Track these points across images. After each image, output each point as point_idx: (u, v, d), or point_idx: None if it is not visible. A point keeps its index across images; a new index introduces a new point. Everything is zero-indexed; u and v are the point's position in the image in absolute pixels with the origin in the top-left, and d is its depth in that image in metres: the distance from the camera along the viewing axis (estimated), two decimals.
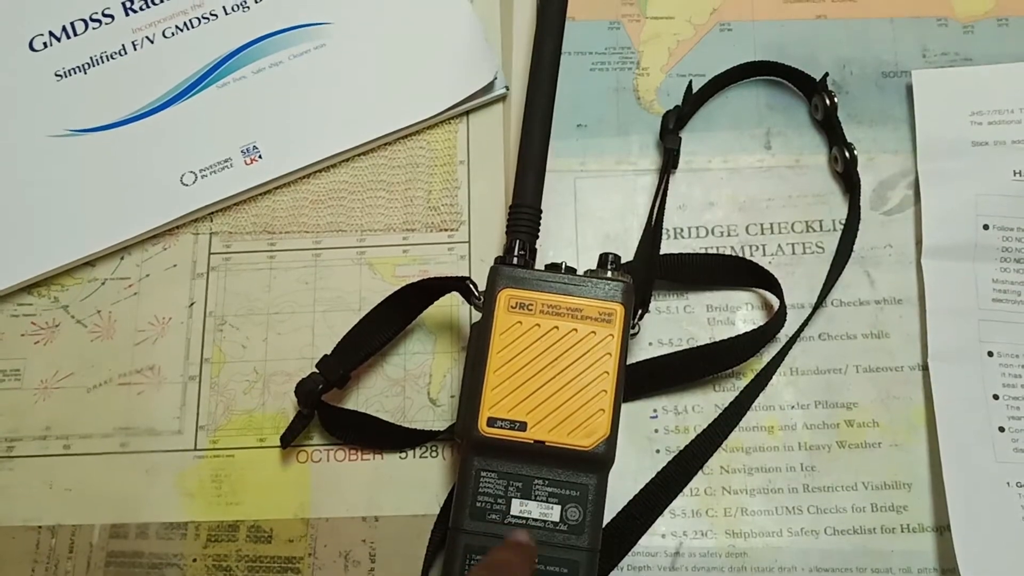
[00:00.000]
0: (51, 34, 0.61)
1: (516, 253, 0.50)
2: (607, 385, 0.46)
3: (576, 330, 0.47)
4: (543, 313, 0.47)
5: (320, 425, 0.54)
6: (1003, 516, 0.49)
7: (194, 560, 0.52)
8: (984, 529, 0.49)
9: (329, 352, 0.52)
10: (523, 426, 0.46)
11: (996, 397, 0.52)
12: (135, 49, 0.61)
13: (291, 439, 0.52)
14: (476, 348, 0.48)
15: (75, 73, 0.60)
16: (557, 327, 0.47)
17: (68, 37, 0.61)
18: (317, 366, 0.52)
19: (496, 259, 0.50)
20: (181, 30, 0.61)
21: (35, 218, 0.57)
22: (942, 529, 0.51)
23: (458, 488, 0.47)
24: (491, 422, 0.46)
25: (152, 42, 0.61)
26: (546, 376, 0.46)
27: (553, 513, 0.46)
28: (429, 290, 0.52)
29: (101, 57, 0.60)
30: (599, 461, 0.46)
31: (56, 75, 0.60)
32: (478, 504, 0.46)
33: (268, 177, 0.58)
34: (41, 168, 0.58)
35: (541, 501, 0.46)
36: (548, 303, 0.47)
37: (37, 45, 0.61)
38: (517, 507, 0.46)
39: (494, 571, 0.41)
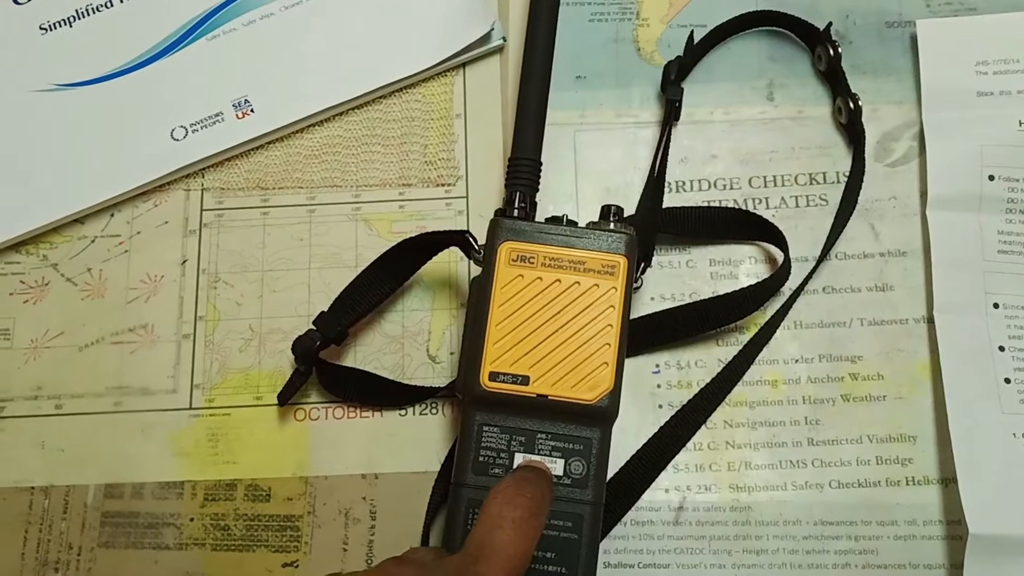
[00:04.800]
0: None
1: (517, 206, 0.49)
2: (610, 338, 0.45)
3: (579, 283, 0.46)
4: (545, 266, 0.46)
5: (318, 383, 0.53)
6: (1009, 467, 0.49)
7: (191, 520, 0.51)
8: (990, 480, 0.49)
9: (326, 309, 0.51)
10: (525, 380, 0.45)
11: (1002, 349, 0.51)
12: (121, 1, 0.59)
13: (288, 397, 0.51)
14: (477, 302, 0.47)
15: (60, 26, 0.59)
16: (559, 280, 0.46)
17: None
18: (314, 323, 0.51)
19: (496, 211, 0.49)
20: None
21: (22, 175, 0.56)
22: (947, 481, 0.50)
23: (460, 443, 0.46)
24: (493, 376, 0.45)
25: None
26: (548, 330, 0.45)
27: (557, 467, 0.45)
28: (427, 245, 0.51)
29: (87, 9, 0.59)
30: (603, 415, 0.45)
31: (41, 28, 0.59)
32: (480, 459, 0.45)
33: (260, 131, 0.56)
34: (27, 123, 0.57)
35: (544, 455, 0.45)
36: (550, 256, 0.46)
37: None
38: (520, 461, 0.45)
39: (520, 484, 0.41)
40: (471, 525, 0.45)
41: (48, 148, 0.57)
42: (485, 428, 0.46)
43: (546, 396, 0.45)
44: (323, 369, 0.52)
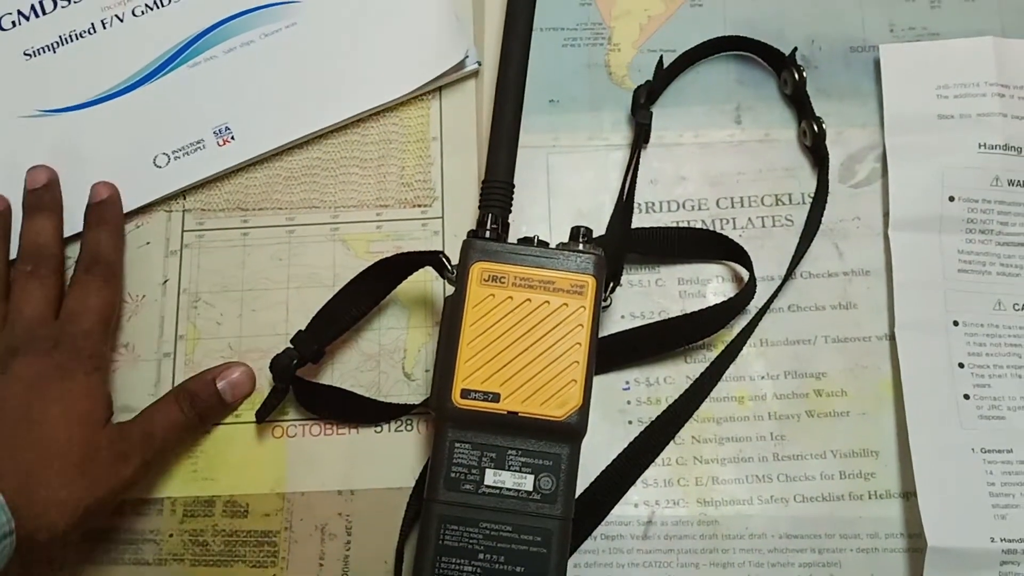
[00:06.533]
0: (20, 13, 0.60)
1: (489, 227, 0.50)
2: (579, 356, 0.47)
3: (548, 302, 0.47)
4: (515, 286, 0.47)
5: (295, 400, 0.54)
6: (968, 481, 0.50)
7: (170, 535, 0.52)
8: (949, 494, 0.50)
9: (304, 327, 0.52)
10: (496, 397, 0.46)
11: (962, 365, 0.53)
12: (104, 28, 0.60)
13: (266, 414, 0.52)
14: (449, 321, 0.48)
15: (44, 52, 0.60)
16: (529, 299, 0.47)
17: (37, 16, 0.60)
18: (292, 341, 0.52)
19: (469, 233, 0.50)
20: (151, 8, 0.60)
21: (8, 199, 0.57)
22: (909, 495, 0.52)
23: (433, 459, 0.47)
24: (465, 393, 0.46)
25: (122, 20, 0.60)
26: (519, 348, 0.47)
27: (526, 483, 0.46)
28: (403, 264, 0.52)
29: (70, 36, 0.60)
30: (571, 431, 0.46)
31: (25, 54, 0.60)
32: (452, 475, 0.46)
33: (241, 159, 0.58)
34: (12, 148, 0.58)
35: (515, 471, 0.46)
36: (520, 276, 0.48)
37: (6, 24, 0.60)
38: (491, 477, 0.46)
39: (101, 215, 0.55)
40: (443, 541, 0.46)
41: None
42: (457, 444, 0.47)
43: (516, 413, 0.46)
44: (300, 387, 0.53)
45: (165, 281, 0.57)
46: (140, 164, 0.58)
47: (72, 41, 0.60)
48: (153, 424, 0.51)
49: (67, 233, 0.57)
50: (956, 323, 0.54)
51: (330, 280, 0.57)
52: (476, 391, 0.46)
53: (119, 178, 0.57)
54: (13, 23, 0.60)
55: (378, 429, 0.54)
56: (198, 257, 0.57)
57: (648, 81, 0.58)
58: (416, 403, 0.53)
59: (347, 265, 0.57)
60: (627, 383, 0.54)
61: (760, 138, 0.58)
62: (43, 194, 0.56)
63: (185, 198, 0.58)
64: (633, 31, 0.61)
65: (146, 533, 0.52)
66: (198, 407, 0.52)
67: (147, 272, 0.57)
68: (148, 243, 0.58)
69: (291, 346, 0.52)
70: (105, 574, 0.52)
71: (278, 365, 0.51)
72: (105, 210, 0.56)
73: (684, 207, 0.57)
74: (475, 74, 0.60)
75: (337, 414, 0.54)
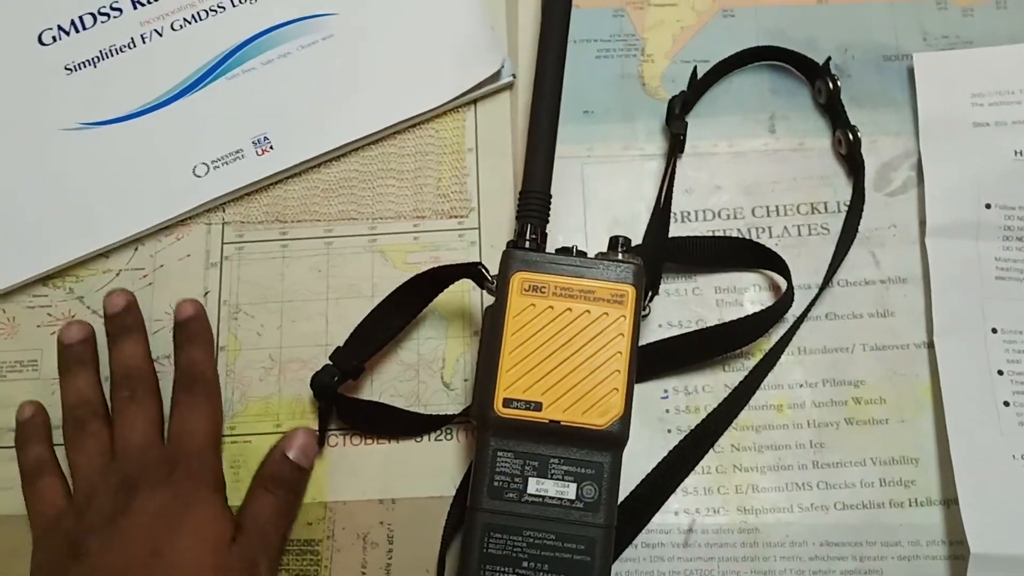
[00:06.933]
0: (60, 28, 0.61)
1: (528, 237, 0.51)
2: (620, 365, 0.47)
3: (589, 311, 0.47)
4: (556, 295, 0.48)
5: (337, 416, 0.54)
6: (1009, 488, 0.50)
7: None
8: (991, 501, 0.50)
9: (342, 341, 0.53)
10: (538, 406, 0.46)
11: (1001, 372, 0.53)
12: (144, 42, 0.61)
13: (323, 439, 0.54)
14: (490, 331, 0.48)
15: (85, 67, 0.61)
16: (570, 309, 0.47)
17: (77, 31, 0.61)
18: (331, 358, 0.52)
19: (508, 243, 0.50)
20: (189, 23, 0.61)
21: (49, 211, 0.58)
22: (949, 502, 0.52)
23: (475, 468, 0.47)
24: (507, 403, 0.47)
25: (161, 35, 0.61)
26: (560, 357, 0.47)
27: (569, 491, 0.46)
28: (440, 278, 0.53)
29: (110, 50, 0.61)
30: (614, 439, 0.46)
31: (66, 68, 0.61)
32: (495, 483, 0.47)
33: (280, 167, 0.58)
34: (54, 161, 0.59)
35: (557, 479, 0.47)
36: (561, 285, 0.48)
37: (46, 39, 0.61)
38: (534, 485, 0.47)
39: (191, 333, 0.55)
40: (487, 549, 0.46)
41: (74, 185, 0.58)
42: (499, 453, 0.47)
43: (558, 422, 0.46)
44: (342, 404, 0.53)
45: (206, 293, 0.57)
46: (179, 174, 0.58)
47: (112, 56, 0.61)
48: (261, 522, 0.51)
49: (104, 244, 0.58)
50: (994, 330, 0.54)
51: (369, 291, 0.57)
52: (518, 400, 0.47)
53: (159, 187, 0.58)
54: (54, 38, 0.61)
55: (418, 439, 0.54)
56: (238, 269, 0.58)
57: (682, 91, 0.58)
58: (456, 413, 0.54)
59: (386, 276, 0.57)
60: (665, 392, 0.55)
61: (794, 147, 0.59)
62: (125, 317, 0.55)
63: (224, 210, 0.59)
64: (666, 42, 0.61)
65: None
66: (285, 485, 0.52)
67: (188, 284, 0.58)
68: (188, 255, 0.58)
69: (330, 362, 0.52)
70: None
71: (319, 383, 0.52)
72: (193, 326, 0.55)
73: (720, 216, 0.58)
74: (510, 86, 0.60)
75: (380, 429, 0.54)
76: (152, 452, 0.51)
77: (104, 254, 0.58)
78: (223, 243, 0.58)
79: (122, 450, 0.51)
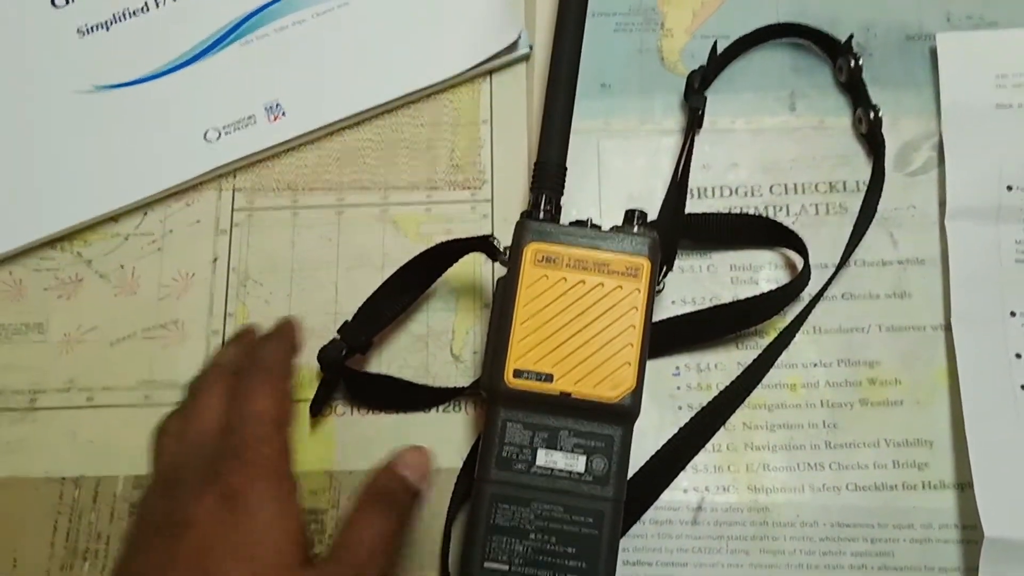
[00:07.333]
0: None
1: (543, 208, 0.50)
2: (633, 339, 0.46)
3: (603, 284, 0.47)
4: (569, 267, 0.47)
5: (345, 390, 0.54)
6: None
7: None
8: (1007, 485, 0.49)
9: (352, 311, 0.52)
10: (549, 378, 0.46)
11: (1019, 356, 0.52)
12: (158, 6, 0.61)
13: (319, 408, 0.53)
14: (502, 301, 0.48)
15: (98, 29, 0.60)
16: (584, 281, 0.47)
17: None
18: (339, 332, 0.51)
19: (522, 214, 0.50)
20: None
21: (59, 173, 0.58)
22: (964, 486, 0.51)
23: (484, 439, 0.47)
24: (517, 374, 0.46)
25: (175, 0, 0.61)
26: (572, 329, 0.46)
27: (579, 464, 0.46)
28: (451, 251, 0.52)
29: (123, 14, 0.60)
30: (625, 413, 0.46)
31: (79, 31, 0.60)
32: (504, 454, 0.46)
33: (292, 134, 0.58)
34: (66, 124, 0.58)
35: (567, 451, 0.46)
36: (575, 257, 0.47)
37: (59, 2, 0.61)
38: (543, 457, 0.46)
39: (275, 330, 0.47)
40: (494, 520, 0.45)
41: (85, 148, 0.58)
42: (509, 424, 0.46)
43: (569, 394, 0.46)
44: (350, 378, 0.53)
45: (215, 260, 0.57)
46: (191, 139, 0.58)
47: (126, 19, 0.60)
48: (360, 547, 0.41)
49: (113, 207, 0.57)
50: (1013, 313, 0.53)
51: (379, 261, 0.56)
52: (529, 371, 0.46)
53: (170, 152, 0.58)
54: (66, 1, 0.61)
55: (426, 410, 0.54)
56: (248, 236, 0.57)
57: (701, 66, 0.57)
58: (465, 386, 0.53)
59: (397, 246, 0.57)
60: (677, 368, 0.54)
61: (814, 125, 0.58)
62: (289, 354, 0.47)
63: (235, 177, 0.58)
64: (686, 17, 0.60)
65: None
66: (397, 507, 0.43)
67: (197, 250, 0.57)
68: (198, 221, 0.58)
69: (338, 336, 0.52)
70: None
71: (327, 358, 0.51)
72: (282, 328, 0.47)
73: (737, 193, 0.57)
74: (526, 58, 0.60)
75: (388, 403, 0.54)
76: (208, 448, 0.41)
77: (113, 218, 0.58)
78: (233, 210, 0.58)
79: (192, 439, 0.42)
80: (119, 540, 0.52)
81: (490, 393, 0.47)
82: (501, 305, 0.48)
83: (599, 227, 0.49)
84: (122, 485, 0.53)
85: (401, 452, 0.45)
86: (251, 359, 0.45)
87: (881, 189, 0.55)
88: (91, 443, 0.54)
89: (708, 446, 0.52)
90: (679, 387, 0.54)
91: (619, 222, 0.50)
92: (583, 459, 0.46)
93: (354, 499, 0.43)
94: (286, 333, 0.47)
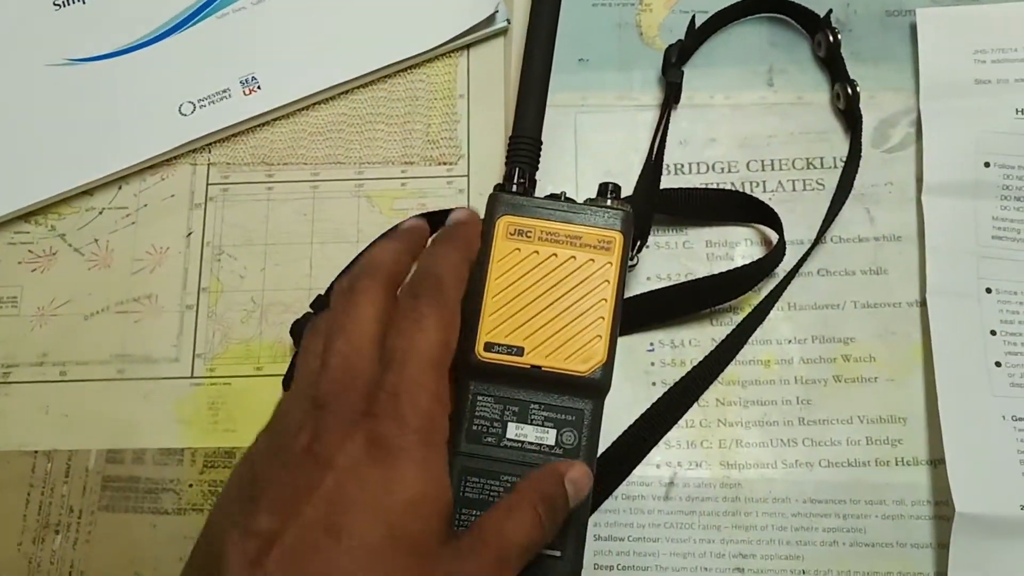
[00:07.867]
0: None
1: (516, 181, 0.49)
2: (604, 312, 0.46)
3: (575, 257, 0.47)
4: (542, 240, 0.47)
5: None
6: (998, 449, 0.50)
7: (190, 485, 0.52)
8: (978, 462, 0.49)
9: (326, 286, 0.52)
10: (520, 351, 0.46)
11: (994, 333, 0.52)
12: None
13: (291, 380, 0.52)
14: (474, 275, 0.47)
15: (74, 2, 0.60)
16: (556, 254, 0.47)
17: None
18: (311, 306, 0.51)
19: (495, 186, 0.49)
20: None
21: (33, 146, 0.57)
22: (936, 462, 0.51)
23: (454, 412, 0.47)
24: (488, 347, 0.46)
25: None
26: (544, 302, 0.46)
27: (549, 437, 0.46)
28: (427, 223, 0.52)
29: None
30: (595, 386, 0.46)
31: (55, 4, 0.60)
32: (474, 427, 0.46)
33: (266, 107, 0.57)
34: (39, 97, 0.58)
35: (537, 425, 0.46)
36: (547, 230, 0.47)
37: None
38: (513, 430, 0.46)
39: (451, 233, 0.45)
40: (464, 493, 0.45)
41: (59, 121, 0.58)
42: (479, 397, 0.46)
43: (540, 367, 0.45)
44: None
45: (189, 234, 0.57)
46: (165, 112, 0.57)
47: None
48: (508, 542, 0.38)
49: (87, 180, 0.57)
50: (989, 290, 0.53)
51: (354, 236, 0.56)
52: (500, 344, 0.46)
53: (144, 125, 0.57)
54: None
55: None
56: (222, 210, 0.57)
57: (680, 41, 0.57)
58: None
59: (372, 222, 0.56)
60: (651, 345, 0.54)
61: (792, 101, 0.57)
62: (457, 228, 0.46)
63: (210, 151, 0.58)
64: None
65: (166, 483, 0.52)
66: (552, 513, 0.40)
67: (171, 224, 0.57)
68: (173, 196, 0.57)
69: (311, 311, 0.51)
70: (125, 522, 0.52)
71: (299, 331, 0.51)
72: (460, 231, 0.45)
73: (714, 169, 0.56)
74: (503, 32, 0.59)
75: None
76: (361, 376, 0.37)
77: (88, 192, 0.58)
78: (208, 184, 0.58)
79: (340, 361, 0.38)
80: (90, 513, 0.52)
81: (461, 366, 0.47)
82: (473, 279, 0.48)
83: (573, 200, 0.48)
84: (94, 459, 0.53)
85: (569, 462, 0.42)
86: (423, 272, 0.41)
87: (858, 165, 0.55)
88: (64, 417, 0.54)
89: (681, 422, 0.52)
90: (653, 363, 0.53)
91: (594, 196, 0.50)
92: (553, 432, 0.46)
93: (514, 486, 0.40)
94: (464, 237, 0.44)
